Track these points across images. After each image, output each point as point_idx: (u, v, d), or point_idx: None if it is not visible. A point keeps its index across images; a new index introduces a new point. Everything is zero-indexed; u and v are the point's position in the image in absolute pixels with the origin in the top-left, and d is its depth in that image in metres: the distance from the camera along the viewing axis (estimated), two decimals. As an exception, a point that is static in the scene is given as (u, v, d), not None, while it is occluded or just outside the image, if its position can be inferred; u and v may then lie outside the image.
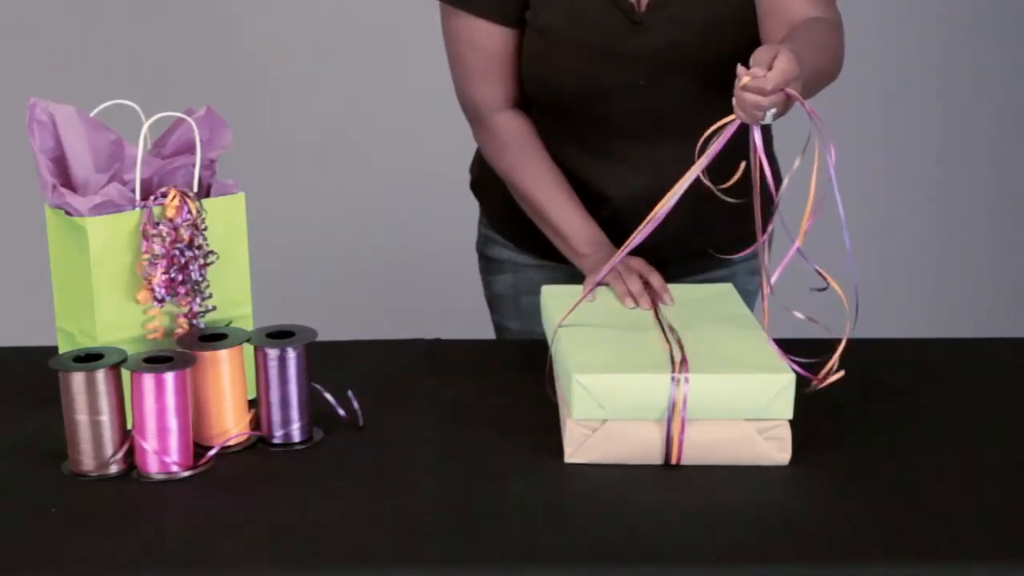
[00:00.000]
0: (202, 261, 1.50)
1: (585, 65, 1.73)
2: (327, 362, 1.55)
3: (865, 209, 3.49)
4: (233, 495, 1.37)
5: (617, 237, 1.69)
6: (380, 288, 3.40)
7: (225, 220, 1.52)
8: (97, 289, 1.44)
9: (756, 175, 1.45)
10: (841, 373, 1.42)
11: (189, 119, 1.51)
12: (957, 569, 1.23)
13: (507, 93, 1.80)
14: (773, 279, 1.44)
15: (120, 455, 1.40)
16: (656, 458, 1.41)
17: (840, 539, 1.27)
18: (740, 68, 1.39)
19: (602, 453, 1.41)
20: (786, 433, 1.40)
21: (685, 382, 1.38)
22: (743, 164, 1.45)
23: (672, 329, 1.50)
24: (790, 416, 1.40)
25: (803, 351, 1.45)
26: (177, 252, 1.47)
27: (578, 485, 1.38)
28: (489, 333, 2.03)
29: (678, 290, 1.65)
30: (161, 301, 1.48)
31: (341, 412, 1.52)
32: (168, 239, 1.46)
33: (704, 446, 1.40)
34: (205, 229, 1.49)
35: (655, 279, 1.65)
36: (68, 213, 1.46)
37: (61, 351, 1.51)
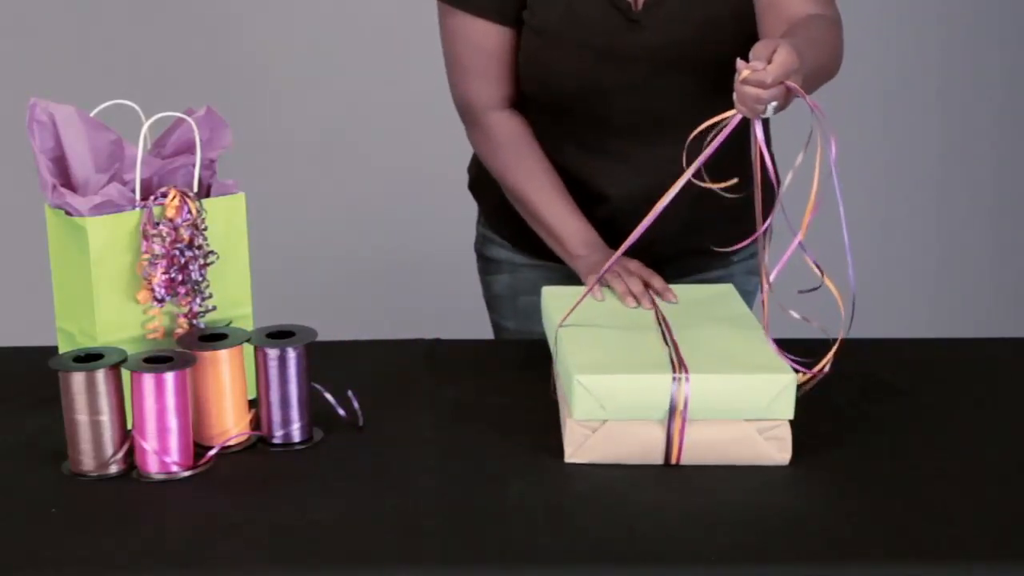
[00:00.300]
0: (202, 261, 1.50)
1: (583, 64, 1.73)
2: (327, 362, 1.55)
3: (865, 209, 3.49)
4: (233, 495, 1.37)
5: (616, 237, 1.69)
6: (380, 288, 3.40)
7: (225, 220, 1.52)
8: (97, 289, 1.44)
9: (757, 168, 1.44)
10: (824, 372, 1.42)
11: (189, 119, 1.51)
12: (957, 569, 1.23)
13: (502, 93, 1.80)
14: (772, 276, 1.44)
15: (120, 455, 1.40)
16: (656, 458, 1.41)
17: (840, 539, 1.27)
18: (740, 62, 1.39)
19: (602, 453, 1.41)
20: (786, 433, 1.40)
21: (686, 382, 1.38)
22: (750, 163, 1.45)
23: (673, 329, 1.50)
24: (791, 416, 1.39)
25: (801, 351, 1.45)
26: (177, 252, 1.47)
27: (578, 485, 1.38)
28: (489, 333, 2.04)
29: (678, 290, 1.65)
30: (161, 301, 1.47)
31: (341, 412, 1.52)
32: (168, 239, 1.46)
33: (704, 446, 1.40)
34: (205, 229, 1.49)
35: (656, 282, 1.65)
36: (68, 213, 1.46)
37: (61, 351, 1.51)
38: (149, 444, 1.38)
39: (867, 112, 3.45)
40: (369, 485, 1.38)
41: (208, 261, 1.50)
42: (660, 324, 1.53)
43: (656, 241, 1.55)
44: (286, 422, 1.47)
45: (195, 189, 1.52)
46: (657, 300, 1.62)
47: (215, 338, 1.47)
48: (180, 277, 1.48)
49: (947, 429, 1.53)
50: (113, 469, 1.40)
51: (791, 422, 1.40)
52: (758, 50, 1.39)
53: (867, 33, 2.95)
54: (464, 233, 2.05)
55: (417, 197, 3.33)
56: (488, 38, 1.76)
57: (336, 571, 1.22)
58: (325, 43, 3.31)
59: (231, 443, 1.46)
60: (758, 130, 1.41)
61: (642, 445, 1.40)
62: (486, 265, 2.00)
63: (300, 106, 3.34)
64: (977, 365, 1.74)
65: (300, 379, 1.47)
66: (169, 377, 1.37)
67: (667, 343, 1.46)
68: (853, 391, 1.60)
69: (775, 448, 1.41)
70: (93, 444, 1.39)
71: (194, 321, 1.51)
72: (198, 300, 1.51)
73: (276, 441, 1.47)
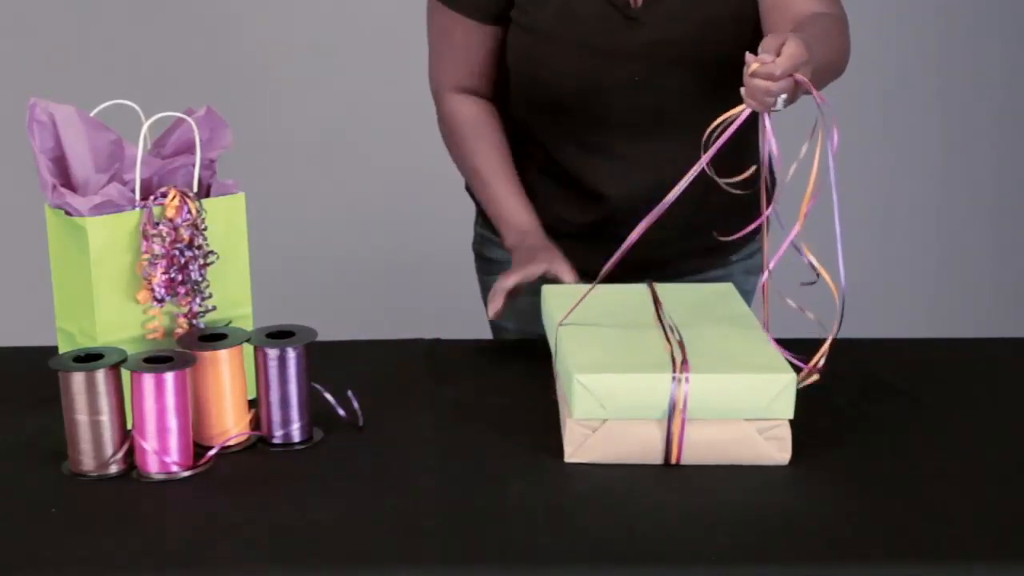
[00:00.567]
0: (202, 261, 1.50)
1: (581, 63, 1.73)
2: (327, 362, 1.55)
3: (865, 209, 3.50)
4: (233, 495, 1.37)
5: (615, 235, 1.69)
6: (380, 288, 3.40)
7: (225, 220, 1.52)
8: (97, 289, 1.44)
9: (765, 160, 1.44)
10: (816, 377, 1.43)
11: (189, 119, 1.51)
12: (957, 569, 1.23)
13: (470, 83, 1.82)
14: (772, 264, 1.44)
15: (120, 455, 1.40)
16: (656, 458, 1.41)
17: (840, 539, 1.27)
18: (748, 55, 1.38)
19: (602, 453, 1.41)
20: (786, 433, 1.40)
21: (686, 382, 1.38)
22: (753, 167, 1.44)
23: (673, 328, 1.50)
24: (791, 416, 1.39)
25: (800, 351, 1.45)
26: (177, 252, 1.47)
27: (578, 485, 1.38)
28: (489, 333, 2.03)
29: (678, 290, 1.65)
30: (161, 301, 1.47)
31: (341, 412, 1.52)
32: (168, 239, 1.46)
33: (704, 446, 1.40)
34: (205, 229, 1.49)
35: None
36: (68, 213, 1.46)
37: (61, 351, 1.51)
38: (149, 444, 1.38)
39: (867, 112, 3.45)
40: (369, 485, 1.38)
41: (208, 261, 1.50)
42: (660, 323, 1.53)
43: (657, 241, 1.55)
44: (286, 422, 1.47)
45: (195, 189, 1.52)
46: (657, 298, 1.61)
47: (215, 338, 1.47)
48: (180, 277, 1.48)
49: (947, 429, 1.53)
50: (113, 469, 1.40)
51: (791, 422, 1.40)
52: (767, 43, 1.39)
53: (867, 33, 2.94)
54: (465, 233, 2.05)
55: (417, 197, 3.33)
56: (469, 36, 1.78)
57: (336, 571, 1.22)
58: (325, 43, 3.31)
59: (231, 443, 1.46)
60: (768, 123, 1.41)
61: (642, 445, 1.40)
62: (485, 265, 2.00)
63: (300, 106, 3.34)
64: (977, 365, 1.74)
65: (300, 379, 1.47)
66: (169, 377, 1.37)
67: (667, 342, 1.46)
68: (853, 391, 1.60)
69: (775, 448, 1.41)
70: (93, 444, 1.39)
71: (194, 321, 1.51)
72: (198, 300, 1.51)
73: (276, 441, 1.47)
